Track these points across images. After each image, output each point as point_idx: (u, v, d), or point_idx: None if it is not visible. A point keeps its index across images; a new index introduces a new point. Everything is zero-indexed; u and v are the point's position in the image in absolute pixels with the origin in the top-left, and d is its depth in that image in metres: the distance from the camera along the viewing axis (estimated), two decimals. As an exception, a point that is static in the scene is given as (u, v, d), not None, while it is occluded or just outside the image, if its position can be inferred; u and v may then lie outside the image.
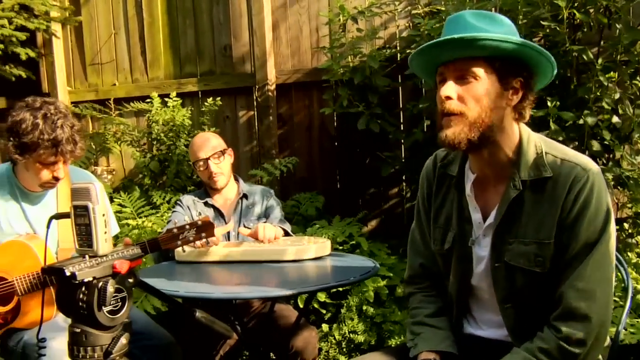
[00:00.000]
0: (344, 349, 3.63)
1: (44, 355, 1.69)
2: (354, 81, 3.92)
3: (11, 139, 2.31)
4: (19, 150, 2.31)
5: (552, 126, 3.10)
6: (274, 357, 3.15)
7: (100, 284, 1.33)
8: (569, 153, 1.64)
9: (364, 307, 3.63)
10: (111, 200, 4.31)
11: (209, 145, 3.01)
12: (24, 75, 4.67)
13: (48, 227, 1.46)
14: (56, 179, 2.40)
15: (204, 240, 2.38)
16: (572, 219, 1.56)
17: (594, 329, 1.55)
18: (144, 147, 4.74)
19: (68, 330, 1.37)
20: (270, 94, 4.53)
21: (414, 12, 4.06)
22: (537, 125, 3.01)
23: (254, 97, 4.64)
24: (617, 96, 3.20)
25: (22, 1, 4.32)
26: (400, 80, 4.22)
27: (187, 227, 2.40)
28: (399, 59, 4.16)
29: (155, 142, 4.63)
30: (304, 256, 2.61)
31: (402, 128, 4.22)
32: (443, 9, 3.78)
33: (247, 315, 2.88)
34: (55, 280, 1.78)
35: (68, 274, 1.29)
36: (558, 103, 3.12)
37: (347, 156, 4.46)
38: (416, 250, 1.96)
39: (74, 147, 2.36)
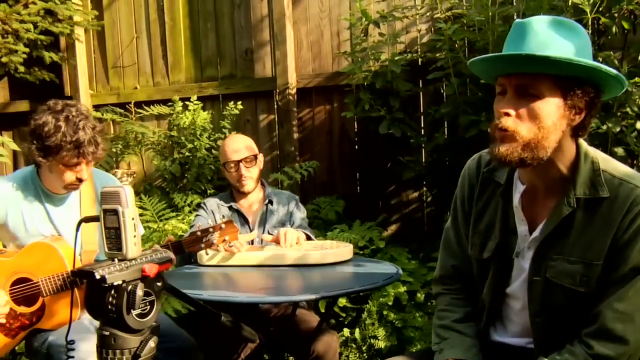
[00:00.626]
0: (365, 354, 3.61)
1: (73, 357, 1.70)
2: (375, 85, 3.91)
3: (34, 142, 2.34)
4: (42, 153, 2.33)
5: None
6: (294, 361, 3.15)
7: (130, 287, 1.33)
8: (629, 173, 1.58)
9: (385, 312, 3.62)
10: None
11: (243, 148, 3.00)
12: (47, 78, 4.71)
13: (77, 229, 1.47)
14: (80, 180, 2.42)
15: (227, 243, 2.38)
16: (624, 241, 1.51)
17: (628, 351, 1.53)
18: (165, 150, 4.76)
19: (97, 333, 1.38)
20: (290, 97, 4.54)
21: (435, 16, 4.05)
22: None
23: (275, 101, 4.65)
24: (642, 102, 3.16)
25: (47, 6, 4.36)
26: (421, 85, 4.21)
27: (211, 229, 2.42)
28: (420, 63, 4.15)
29: (176, 146, 4.65)
30: (326, 261, 2.60)
31: (422, 132, 4.20)
32: (465, 13, 3.77)
33: (269, 319, 2.88)
34: (83, 283, 1.80)
35: (98, 277, 1.30)
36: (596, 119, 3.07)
37: (367, 160, 4.45)
38: (450, 251, 1.91)
39: (95, 148, 2.38)
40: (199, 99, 4.65)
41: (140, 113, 4.88)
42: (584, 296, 1.57)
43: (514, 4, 3.49)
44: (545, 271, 1.62)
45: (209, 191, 4.46)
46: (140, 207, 4.38)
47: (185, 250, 2.41)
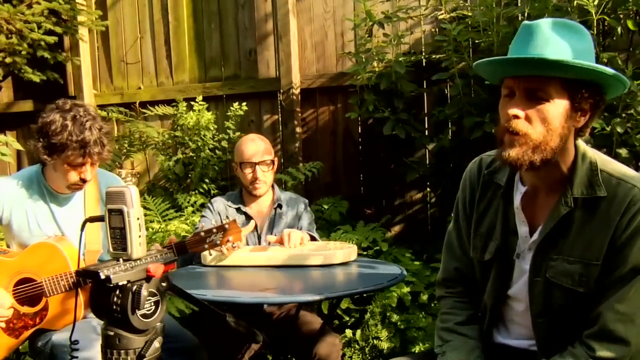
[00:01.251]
0: (367, 356, 3.61)
1: (77, 357, 1.69)
2: (379, 86, 3.91)
3: (40, 139, 2.34)
4: (47, 151, 2.33)
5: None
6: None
7: (135, 287, 1.33)
8: (627, 172, 1.57)
9: (388, 313, 3.61)
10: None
11: (262, 151, 2.96)
12: (51, 78, 4.72)
13: (82, 229, 1.46)
14: (83, 180, 2.42)
15: (230, 244, 2.38)
16: (623, 241, 1.51)
17: (629, 353, 1.52)
18: (169, 150, 4.76)
19: (101, 333, 1.37)
20: (294, 98, 4.54)
21: (440, 17, 4.04)
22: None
23: (279, 102, 4.65)
24: (647, 103, 3.15)
25: (51, 6, 4.37)
26: (425, 86, 4.21)
27: (214, 230, 2.41)
28: (424, 64, 4.15)
29: (179, 146, 4.65)
30: (330, 261, 2.60)
31: (427, 134, 4.20)
32: (469, 14, 3.76)
33: (271, 320, 2.87)
34: (87, 283, 1.80)
35: (103, 277, 1.30)
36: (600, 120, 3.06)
37: (371, 161, 4.45)
38: (452, 253, 1.91)
39: (101, 149, 2.38)
40: (203, 99, 4.65)
41: (145, 113, 4.88)
42: (584, 296, 1.57)
43: (519, 4, 3.48)
44: (545, 271, 1.62)
45: (212, 191, 4.46)
46: (144, 207, 4.38)
47: (189, 250, 2.40)
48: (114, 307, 1.33)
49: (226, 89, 4.80)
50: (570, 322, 1.61)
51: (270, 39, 4.72)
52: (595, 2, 2.97)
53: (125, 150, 4.79)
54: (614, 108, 3.14)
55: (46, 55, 4.54)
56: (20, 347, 2.47)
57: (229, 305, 2.50)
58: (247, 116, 4.71)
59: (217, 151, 4.58)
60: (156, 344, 1.37)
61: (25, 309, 2.33)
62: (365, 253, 3.73)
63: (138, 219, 1.36)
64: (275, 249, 2.74)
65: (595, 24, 3.04)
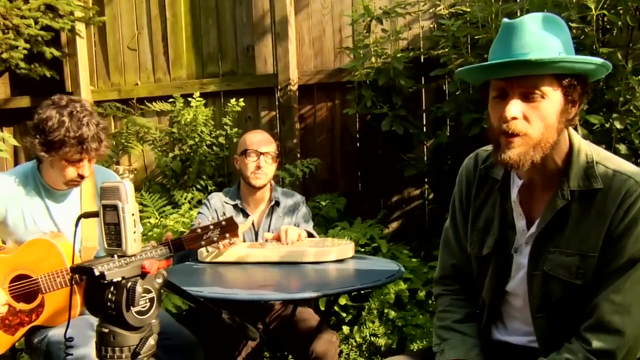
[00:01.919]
0: (365, 352, 3.60)
1: (72, 354, 1.68)
2: (377, 82, 3.90)
3: (37, 136, 2.32)
4: (44, 147, 2.32)
5: (580, 130, 3.05)
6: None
7: (129, 284, 1.32)
8: (622, 165, 1.57)
9: (385, 310, 3.60)
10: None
11: (268, 143, 2.98)
12: (48, 74, 4.70)
13: (76, 226, 1.45)
14: (81, 176, 2.40)
15: (227, 240, 2.36)
16: (619, 232, 1.51)
17: (626, 343, 1.51)
18: (166, 146, 4.75)
19: (96, 330, 1.36)
20: (292, 94, 4.52)
21: (438, 12, 4.03)
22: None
23: (276, 98, 4.63)
24: (646, 99, 3.14)
25: (48, 1, 4.36)
26: (423, 82, 4.20)
27: (211, 227, 2.39)
28: (422, 60, 4.14)
29: (177, 142, 4.64)
30: (326, 258, 2.59)
31: (425, 130, 4.18)
32: (468, 10, 3.75)
33: (269, 317, 2.86)
34: (83, 279, 1.78)
35: (97, 273, 1.29)
36: (586, 106, 3.06)
37: (369, 158, 4.44)
38: (449, 251, 1.91)
39: (99, 145, 2.36)
40: (200, 95, 4.63)
41: (142, 109, 4.87)
42: (581, 289, 1.56)
43: (517, 0, 3.47)
44: (542, 264, 1.62)
45: (209, 188, 4.45)
46: (141, 204, 4.36)
47: (185, 247, 2.37)
48: (109, 304, 1.32)
49: (223, 85, 4.79)
50: (569, 316, 1.60)
51: (267, 35, 4.70)
52: (595, -2, 2.97)
53: (122, 147, 4.77)
54: (613, 104, 3.14)
55: (43, 50, 4.52)
56: (16, 344, 2.46)
57: (226, 302, 2.49)
58: (245, 112, 4.69)
59: (214, 147, 4.56)
60: (151, 341, 1.36)
61: (21, 306, 2.32)
62: (362, 250, 3.72)
63: (133, 214, 1.35)
64: (273, 245, 2.73)
65: (594, 20, 3.04)
